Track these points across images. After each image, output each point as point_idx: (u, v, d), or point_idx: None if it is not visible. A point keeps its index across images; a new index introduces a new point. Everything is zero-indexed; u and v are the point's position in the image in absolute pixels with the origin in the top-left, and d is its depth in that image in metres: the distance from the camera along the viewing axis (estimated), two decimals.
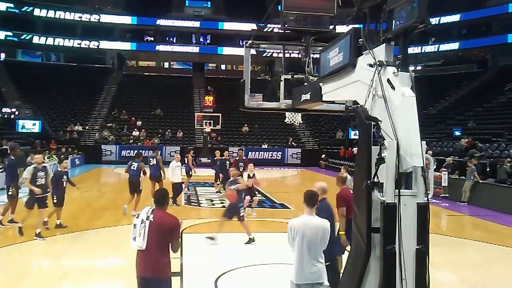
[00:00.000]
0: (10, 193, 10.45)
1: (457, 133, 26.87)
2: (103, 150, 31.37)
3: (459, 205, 15.95)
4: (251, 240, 9.44)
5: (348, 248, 5.35)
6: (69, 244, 9.35)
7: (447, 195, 17.02)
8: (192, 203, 14.87)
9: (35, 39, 41.60)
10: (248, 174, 12.98)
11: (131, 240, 4.57)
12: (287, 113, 7.58)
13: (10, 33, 40.61)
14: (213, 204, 14.95)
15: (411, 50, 38.42)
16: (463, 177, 16.73)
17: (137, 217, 4.61)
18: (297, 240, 4.67)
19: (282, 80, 6.76)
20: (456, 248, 10.04)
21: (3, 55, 42.71)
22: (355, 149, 21.83)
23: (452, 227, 13.04)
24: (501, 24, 37.45)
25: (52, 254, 8.74)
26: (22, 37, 41.17)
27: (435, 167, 15.70)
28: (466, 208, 15.51)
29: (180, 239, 4.74)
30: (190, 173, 16.72)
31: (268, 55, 37.06)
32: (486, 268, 8.54)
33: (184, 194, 15.55)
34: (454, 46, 40.83)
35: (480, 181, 16.12)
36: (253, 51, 7.00)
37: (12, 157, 10.85)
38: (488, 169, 17.40)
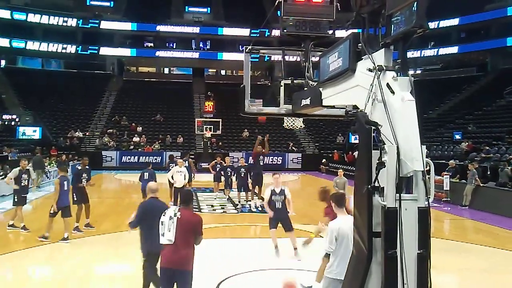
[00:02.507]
0: (75, 199, 11.02)
1: (458, 136, 26.87)
2: (103, 156, 31.38)
3: (460, 209, 15.92)
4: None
5: None
6: (70, 251, 9.33)
7: (448, 199, 16.99)
8: (193, 209, 14.84)
9: (36, 46, 41.72)
10: (274, 190, 9.17)
11: (160, 236, 5.06)
12: (285, 118, 7.57)
13: (11, 40, 40.72)
14: (214, 210, 14.92)
15: (411, 54, 38.59)
16: (464, 181, 16.71)
17: (164, 215, 5.10)
18: (344, 240, 4.96)
19: (282, 85, 6.77)
20: (458, 253, 10.01)
21: (3, 62, 42.85)
22: (355, 153, 21.81)
23: (454, 231, 13.02)
24: (500, 28, 37.56)
25: (53, 261, 8.73)
26: (23, 44, 41.27)
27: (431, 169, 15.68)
28: (467, 212, 15.48)
29: (202, 234, 5.18)
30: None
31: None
32: (489, 273, 8.50)
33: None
34: (454, 50, 40.96)
35: (481, 184, 16.10)
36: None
37: (79, 167, 11.79)
38: (489, 173, 17.38)
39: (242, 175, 15.15)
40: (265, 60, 37.69)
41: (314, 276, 6.58)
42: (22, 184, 11.02)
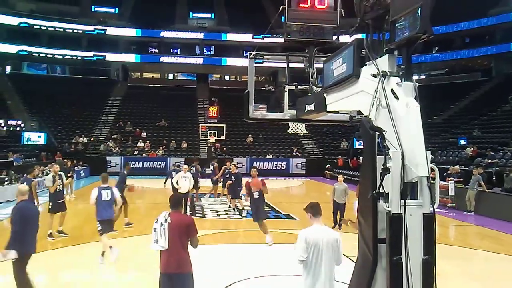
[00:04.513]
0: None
1: (462, 142, 26.75)
2: (108, 162, 31.43)
3: (465, 214, 15.82)
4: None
5: None
6: (73, 256, 9.34)
7: (453, 205, 16.87)
8: (197, 215, 14.83)
9: (41, 52, 41.96)
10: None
11: (152, 243, 5.08)
12: (290, 123, 7.59)
13: (19, 47, 40.96)
14: (218, 216, 14.91)
15: (416, 59, 38.54)
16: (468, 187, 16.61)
17: (156, 222, 5.11)
18: (313, 250, 4.61)
19: (286, 91, 6.79)
20: (463, 259, 9.94)
21: (8, 68, 43.15)
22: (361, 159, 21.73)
23: (460, 237, 12.94)
24: (504, 33, 37.50)
25: (56, 266, 8.73)
26: (28, 50, 41.53)
27: (436, 174, 15.61)
28: (472, 218, 15.38)
29: (197, 235, 5.20)
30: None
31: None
32: (494, 279, 8.44)
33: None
34: (458, 55, 40.88)
35: (486, 190, 16.00)
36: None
37: (125, 171, 12.92)
38: (494, 178, 17.27)
39: (231, 182, 15.10)
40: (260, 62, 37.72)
41: None
42: (57, 190, 10.90)
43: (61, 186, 11.05)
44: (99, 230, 8.83)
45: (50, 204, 10.80)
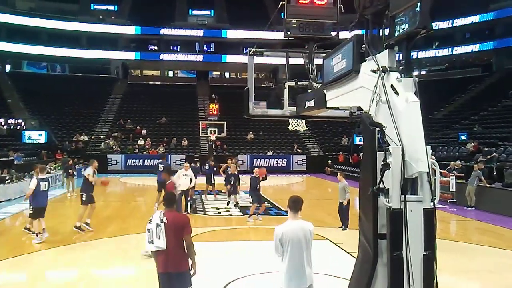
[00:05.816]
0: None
1: (463, 137, 26.70)
2: (108, 160, 31.44)
3: (466, 210, 15.82)
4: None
5: None
6: (77, 254, 9.36)
7: (454, 200, 16.88)
8: (198, 212, 14.85)
9: (41, 50, 41.87)
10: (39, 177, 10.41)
11: (147, 243, 5.06)
12: (290, 120, 7.58)
13: (18, 46, 40.82)
14: (219, 213, 14.93)
15: (416, 54, 38.47)
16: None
17: (149, 222, 5.07)
18: (287, 246, 4.66)
19: (286, 87, 6.78)
20: (464, 254, 9.95)
21: (8, 67, 43.10)
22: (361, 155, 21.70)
23: (460, 233, 12.94)
24: (505, 28, 37.42)
25: (60, 264, 8.75)
26: (28, 48, 41.42)
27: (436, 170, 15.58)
28: (473, 213, 15.38)
29: (191, 234, 5.16)
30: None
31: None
32: (495, 274, 8.44)
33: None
34: (458, 50, 40.80)
35: (487, 185, 15.99)
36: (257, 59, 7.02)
37: (166, 161, 14.57)
38: (495, 173, 17.26)
39: (231, 182, 15.23)
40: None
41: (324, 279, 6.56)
42: (93, 184, 11.52)
43: (94, 182, 11.61)
44: (29, 214, 10.23)
45: (84, 196, 11.21)
